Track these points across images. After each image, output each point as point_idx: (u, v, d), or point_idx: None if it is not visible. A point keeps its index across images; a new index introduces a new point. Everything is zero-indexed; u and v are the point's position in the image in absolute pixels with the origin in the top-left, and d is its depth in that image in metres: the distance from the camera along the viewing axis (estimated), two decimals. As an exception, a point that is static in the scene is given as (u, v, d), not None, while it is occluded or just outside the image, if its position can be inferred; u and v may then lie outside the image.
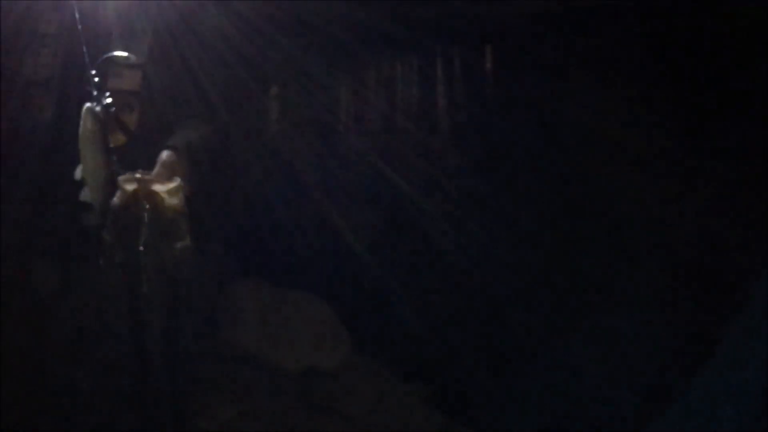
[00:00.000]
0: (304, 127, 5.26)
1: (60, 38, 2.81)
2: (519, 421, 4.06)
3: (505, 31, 5.24)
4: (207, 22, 3.07)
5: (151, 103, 2.76)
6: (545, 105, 5.13)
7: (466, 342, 4.53)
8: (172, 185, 2.51)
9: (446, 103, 5.80)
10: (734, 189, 4.48)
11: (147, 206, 2.49)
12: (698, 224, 4.49)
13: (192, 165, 2.68)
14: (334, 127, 5.58)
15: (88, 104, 2.51)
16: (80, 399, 2.99)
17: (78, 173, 2.54)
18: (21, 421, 2.81)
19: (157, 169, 2.58)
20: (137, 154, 2.67)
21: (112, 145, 2.55)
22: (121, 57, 2.71)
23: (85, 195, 2.55)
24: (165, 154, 2.62)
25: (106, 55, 2.69)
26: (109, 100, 2.62)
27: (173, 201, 2.51)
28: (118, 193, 2.51)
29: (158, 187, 2.49)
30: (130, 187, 2.48)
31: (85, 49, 2.58)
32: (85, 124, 2.48)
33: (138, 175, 2.52)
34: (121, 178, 2.51)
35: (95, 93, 2.57)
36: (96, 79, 2.60)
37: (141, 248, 2.49)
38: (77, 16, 2.58)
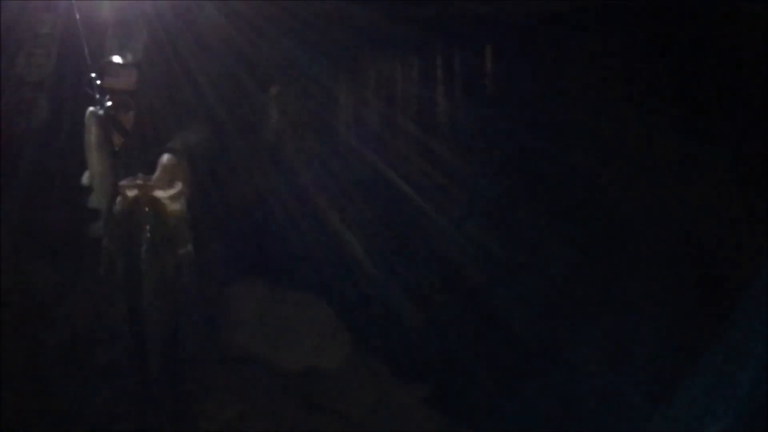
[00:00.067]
0: (303, 128, 5.25)
1: (54, 38, 2.78)
2: (519, 421, 4.04)
3: (506, 30, 5.23)
4: (205, 21, 3.05)
5: (148, 103, 2.73)
6: (547, 104, 5.11)
7: (466, 342, 4.52)
8: (173, 191, 2.49)
9: (447, 103, 5.79)
10: (733, 187, 4.46)
11: (149, 213, 2.47)
12: (698, 222, 4.48)
13: (192, 167, 2.66)
14: (334, 127, 5.57)
15: (91, 108, 2.49)
16: (79, 401, 2.98)
17: (85, 179, 2.53)
18: (20, 422, 2.80)
19: (158, 173, 2.55)
20: (135, 156, 2.65)
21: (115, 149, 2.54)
22: (116, 56, 2.69)
23: (93, 201, 2.53)
24: (165, 158, 2.59)
25: (104, 57, 2.67)
26: (110, 103, 2.61)
27: (175, 207, 2.50)
28: (119, 199, 2.49)
29: (160, 193, 2.47)
30: (131, 193, 2.46)
31: (86, 51, 2.56)
32: (90, 129, 2.47)
33: (139, 181, 2.49)
34: (122, 183, 2.49)
35: (97, 96, 2.55)
36: (97, 82, 2.58)
37: (143, 256, 2.47)
38: (77, 16, 2.56)
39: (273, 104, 5.31)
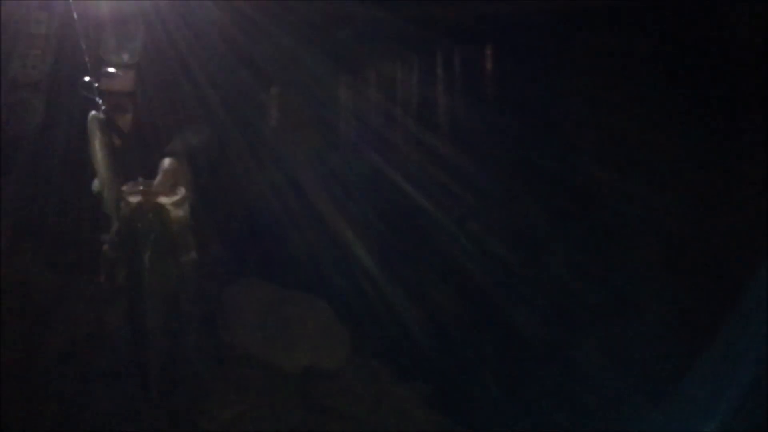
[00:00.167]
0: (304, 128, 5.25)
1: (50, 38, 2.75)
2: (519, 421, 4.04)
3: (510, 29, 5.23)
4: (204, 20, 3.03)
5: (147, 104, 2.71)
6: (552, 104, 5.11)
7: (467, 342, 4.52)
8: (177, 197, 2.44)
9: (450, 103, 5.79)
10: (733, 186, 4.46)
11: (152, 220, 2.43)
12: (697, 221, 4.47)
13: (193, 170, 2.63)
14: (335, 127, 5.57)
15: (93, 113, 2.46)
16: (79, 403, 2.98)
17: (96, 186, 2.52)
18: (20, 425, 2.81)
19: (159, 177, 2.50)
20: (134, 159, 2.62)
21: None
22: (113, 60, 2.66)
23: (107, 207, 2.52)
24: (167, 162, 2.55)
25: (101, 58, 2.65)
26: (103, 108, 2.57)
27: (179, 213, 2.46)
28: (122, 205, 2.45)
29: (163, 199, 2.43)
30: (134, 199, 2.41)
31: (84, 52, 2.54)
32: (95, 135, 2.44)
33: (141, 187, 2.43)
34: (124, 189, 2.44)
35: (98, 100, 2.52)
36: (96, 85, 2.56)
37: (145, 264, 2.44)
38: (74, 16, 2.54)
39: (274, 104, 5.31)
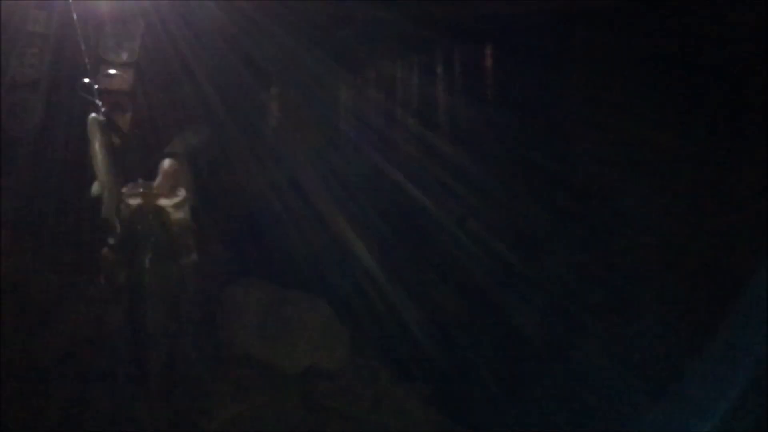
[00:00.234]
0: (305, 127, 5.24)
1: (48, 37, 2.73)
2: (519, 420, 4.04)
3: (507, 30, 5.22)
4: (203, 19, 3.02)
5: (146, 104, 2.69)
6: (554, 104, 5.10)
7: (466, 342, 4.52)
8: (177, 199, 2.44)
9: (451, 103, 5.79)
10: (733, 186, 4.46)
11: (152, 222, 2.41)
12: (697, 220, 4.47)
13: (193, 170, 2.61)
14: (336, 126, 5.56)
15: (92, 115, 2.44)
16: (79, 403, 2.98)
17: (95, 189, 2.49)
18: (20, 424, 2.81)
19: (159, 179, 2.51)
20: (133, 159, 2.61)
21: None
22: (111, 59, 2.65)
23: (106, 212, 2.50)
24: (167, 163, 2.55)
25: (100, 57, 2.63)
26: (103, 108, 2.56)
27: (179, 215, 2.46)
28: (122, 207, 2.46)
29: (164, 202, 2.43)
30: (134, 201, 2.41)
31: (83, 51, 2.52)
32: (94, 138, 2.43)
33: (141, 189, 2.43)
34: (124, 191, 2.45)
35: (95, 100, 2.51)
36: (96, 86, 2.54)
37: (146, 267, 2.42)
38: (74, 15, 2.52)
39: (274, 104, 5.30)
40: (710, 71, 4.57)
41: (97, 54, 2.65)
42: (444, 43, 5.48)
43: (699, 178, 4.53)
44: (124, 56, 2.64)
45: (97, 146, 2.40)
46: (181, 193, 2.38)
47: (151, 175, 2.53)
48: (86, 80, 2.49)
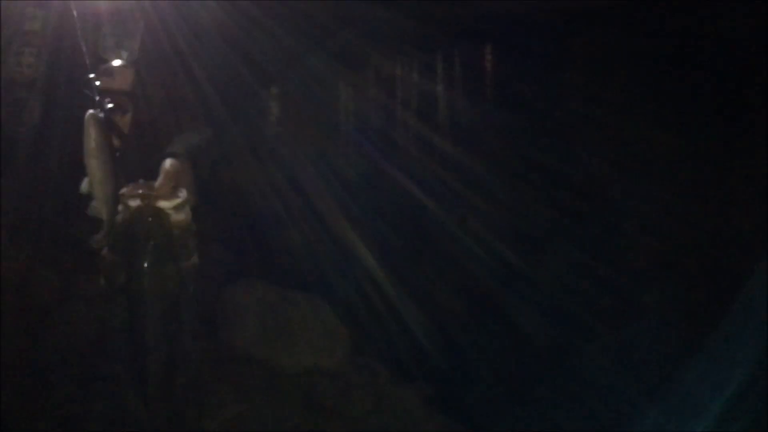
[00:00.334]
0: (304, 127, 5.24)
1: (45, 36, 2.69)
2: (519, 421, 4.04)
3: (508, 29, 5.22)
4: (204, 17, 2.99)
5: (146, 104, 2.66)
6: (556, 104, 5.10)
7: (466, 342, 4.52)
8: (178, 200, 2.38)
9: (450, 102, 5.78)
10: (733, 184, 4.46)
11: (152, 224, 2.35)
12: (698, 220, 4.47)
13: (194, 171, 2.56)
14: (336, 126, 5.56)
15: (91, 111, 2.40)
16: (79, 405, 2.97)
17: (84, 186, 2.43)
18: (19, 425, 2.79)
19: (160, 180, 2.42)
20: (133, 160, 2.58)
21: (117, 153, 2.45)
22: (112, 56, 2.61)
23: (93, 209, 2.43)
24: (168, 163, 2.46)
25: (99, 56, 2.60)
26: (110, 105, 2.53)
27: (180, 216, 2.39)
28: (121, 209, 2.39)
29: (164, 204, 2.36)
30: (134, 203, 2.35)
31: (84, 49, 2.50)
32: (90, 134, 2.34)
33: (141, 191, 2.36)
34: (124, 192, 2.38)
35: (97, 98, 2.47)
36: (97, 83, 2.51)
37: (145, 269, 2.38)
38: (74, 12, 2.50)
39: (274, 104, 5.29)
40: (711, 71, 4.58)
41: (97, 53, 2.61)
42: (445, 42, 5.48)
43: (700, 177, 4.54)
44: (124, 56, 2.59)
45: (92, 143, 2.35)
46: (183, 194, 2.33)
47: (151, 175, 2.48)
48: (91, 77, 2.45)
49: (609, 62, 4.97)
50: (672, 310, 4.27)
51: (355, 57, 5.28)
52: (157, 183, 2.40)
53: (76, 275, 2.84)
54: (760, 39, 4.37)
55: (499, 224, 4.82)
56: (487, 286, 4.64)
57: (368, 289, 4.44)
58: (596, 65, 5.04)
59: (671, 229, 4.49)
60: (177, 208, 2.37)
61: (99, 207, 2.42)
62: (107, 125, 2.43)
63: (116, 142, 2.51)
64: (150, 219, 2.35)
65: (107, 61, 2.59)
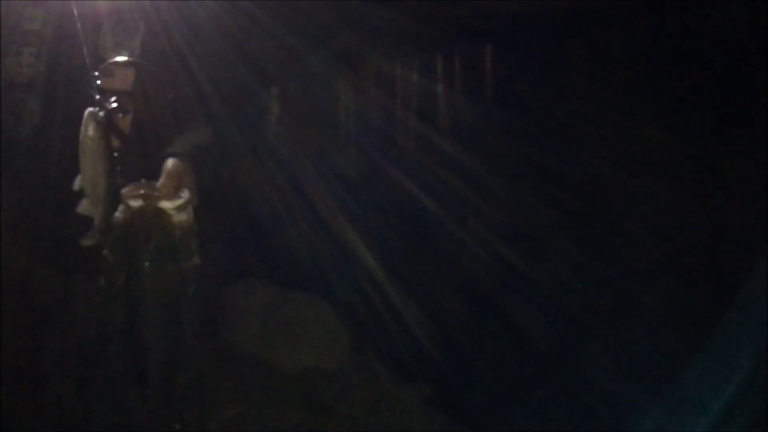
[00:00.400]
0: (305, 127, 5.25)
1: (44, 36, 2.67)
2: (520, 421, 4.04)
3: (510, 28, 5.22)
4: (205, 19, 2.98)
5: (147, 104, 2.65)
6: (552, 103, 5.10)
7: (467, 342, 4.52)
8: (180, 201, 2.34)
9: (451, 102, 5.78)
10: (733, 184, 4.46)
11: (154, 225, 2.33)
12: (698, 220, 4.48)
13: (196, 171, 2.54)
14: (337, 126, 5.56)
15: (90, 109, 2.38)
16: (80, 406, 2.96)
17: (77, 183, 2.39)
18: (19, 426, 2.78)
19: (162, 179, 2.39)
20: (134, 161, 2.57)
21: (115, 154, 2.43)
22: (113, 55, 2.59)
23: (83, 207, 2.40)
24: (170, 163, 2.43)
25: (99, 56, 2.58)
26: (114, 105, 2.52)
27: (182, 217, 2.35)
28: (122, 209, 2.36)
29: (166, 204, 2.33)
30: (135, 203, 2.32)
31: (84, 49, 2.49)
32: (87, 131, 2.31)
33: (142, 191, 2.33)
34: (125, 192, 2.35)
35: (97, 97, 2.44)
36: (98, 82, 2.50)
37: (146, 270, 2.36)
38: (74, 12, 2.48)
39: (275, 103, 5.28)
40: (712, 70, 4.58)
41: (97, 53, 2.59)
42: (445, 42, 5.48)
43: (700, 177, 4.54)
44: (125, 55, 2.57)
45: (88, 141, 2.33)
46: (185, 194, 2.31)
47: (151, 175, 2.46)
48: (94, 76, 2.43)
49: (609, 62, 4.96)
50: (672, 310, 4.27)
51: (355, 57, 5.28)
52: (159, 183, 2.37)
53: (77, 275, 2.82)
54: (761, 39, 4.37)
55: (499, 224, 4.82)
56: (487, 286, 4.64)
57: (368, 289, 4.44)
58: (596, 65, 5.03)
59: (671, 229, 4.49)
60: (179, 208, 2.34)
61: (90, 206, 2.40)
62: (107, 124, 2.41)
63: (116, 142, 2.49)
64: (151, 220, 2.32)
65: (108, 60, 2.58)
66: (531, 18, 5.07)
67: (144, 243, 2.32)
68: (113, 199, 2.39)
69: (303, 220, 4.61)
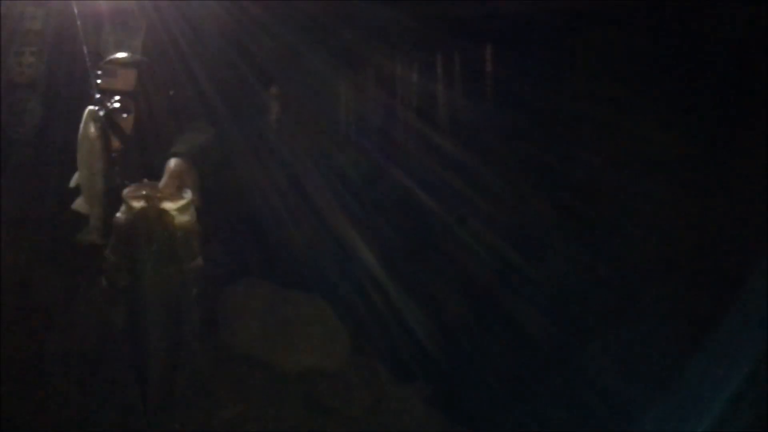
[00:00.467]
0: (306, 126, 5.24)
1: (45, 35, 2.66)
2: (520, 421, 4.04)
3: (510, 28, 5.22)
4: (206, 18, 2.97)
5: (148, 104, 2.64)
6: (553, 103, 5.10)
7: (468, 342, 4.51)
8: (182, 202, 2.32)
9: (453, 101, 5.79)
10: (734, 184, 4.47)
11: (155, 226, 2.30)
12: (699, 220, 4.48)
13: (198, 171, 2.54)
14: (338, 126, 5.57)
15: (90, 107, 2.36)
16: (80, 409, 2.95)
17: (73, 180, 2.40)
18: (19, 429, 2.78)
19: (165, 179, 2.39)
20: (135, 161, 2.56)
21: (114, 154, 2.42)
22: (115, 54, 2.58)
23: (79, 204, 2.41)
24: (173, 163, 2.43)
25: (100, 55, 2.58)
26: (117, 105, 2.52)
27: (184, 218, 2.33)
28: (124, 209, 2.34)
29: (169, 205, 2.31)
30: (137, 204, 2.30)
31: (86, 49, 2.48)
32: (86, 128, 2.32)
33: (144, 192, 2.31)
34: (127, 192, 2.33)
35: (98, 96, 2.43)
36: (98, 81, 2.49)
37: (147, 272, 2.35)
38: (75, 11, 2.48)
39: (276, 103, 5.27)
40: (712, 70, 4.59)
41: (98, 53, 2.59)
42: (445, 42, 5.48)
43: (700, 177, 4.54)
44: (127, 55, 2.57)
45: (87, 139, 2.32)
46: (187, 195, 2.30)
47: (153, 176, 2.46)
48: (97, 74, 2.43)
49: (609, 62, 4.97)
50: (672, 310, 4.27)
51: (355, 57, 5.27)
52: (162, 183, 2.37)
53: (78, 276, 2.81)
54: (761, 38, 4.37)
55: (499, 224, 4.82)
56: (487, 286, 4.64)
57: (369, 288, 4.44)
58: (596, 65, 5.04)
59: (671, 229, 4.49)
60: (181, 209, 2.33)
61: (86, 204, 2.40)
62: (107, 124, 2.41)
63: (117, 143, 2.49)
64: (153, 221, 2.31)
65: (109, 60, 2.57)
66: (531, 18, 5.07)
67: (146, 244, 2.31)
68: (111, 199, 2.38)
69: (303, 220, 4.61)
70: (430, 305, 4.58)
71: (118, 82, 2.56)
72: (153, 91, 2.64)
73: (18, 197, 2.70)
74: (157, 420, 2.76)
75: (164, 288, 2.37)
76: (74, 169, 2.43)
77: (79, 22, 2.49)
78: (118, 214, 2.34)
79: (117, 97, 2.52)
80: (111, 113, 2.46)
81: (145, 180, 2.37)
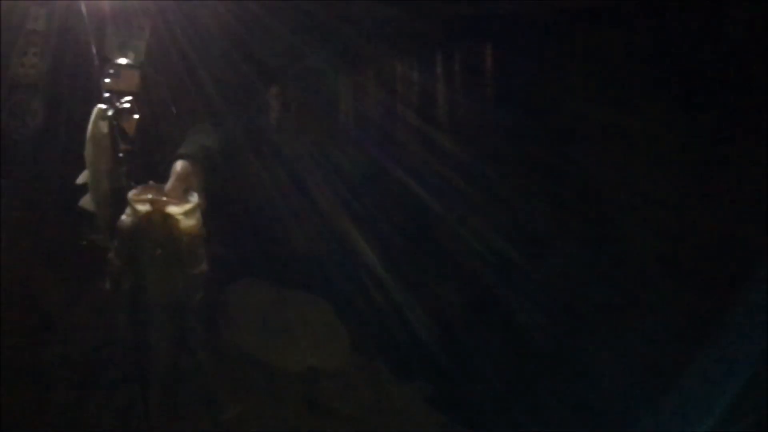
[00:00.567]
0: (309, 126, 5.23)
1: (48, 36, 2.64)
2: (520, 421, 4.04)
3: (510, 28, 5.21)
4: (209, 19, 2.96)
5: (152, 106, 2.63)
6: (553, 102, 5.10)
7: (468, 342, 4.51)
8: (188, 206, 2.30)
9: (453, 101, 5.79)
10: (734, 184, 4.48)
11: (160, 231, 2.26)
12: (698, 218, 4.49)
13: (205, 174, 2.52)
14: (339, 126, 5.55)
15: (100, 105, 2.36)
16: (81, 411, 2.94)
17: (81, 178, 2.40)
18: (19, 428, 2.77)
19: (171, 182, 2.36)
20: (139, 163, 2.55)
21: (120, 154, 2.42)
22: (119, 56, 2.57)
23: (86, 202, 2.41)
24: (179, 165, 2.40)
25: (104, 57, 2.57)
26: (126, 105, 2.51)
27: (190, 222, 2.30)
28: (129, 212, 2.32)
29: (174, 209, 2.27)
30: (142, 208, 2.27)
31: (93, 50, 2.48)
32: (95, 126, 2.32)
33: (150, 195, 2.28)
34: (132, 195, 2.31)
35: (107, 95, 2.44)
36: (107, 81, 2.48)
37: (151, 276, 2.34)
38: (82, 11, 2.47)
39: (279, 103, 5.26)
40: (712, 70, 4.59)
41: (102, 54, 2.58)
42: (445, 42, 5.47)
43: (700, 177, 4.55)
44: (130, 57, 2.56)
45: (95, 138, 2.32)
46: (194, 198, 2.28)
47: (157, 178, 2.44)
48: (106, 76, 2.42)
49: (609, 62, 4.97)
50: (672, 310, 4.28)
51: (356, 56, 5.26)
52: (168, 185, 2.35)
53: (80, 279, 2.80)
54: (761, 38, 4.38)
55: (500, 223, 4.82)
56: (488, 286, 4.64)
57: (369, 288, 4.43)
58: (596, 65, 5.04)
59: (671, 228, 4.50)
60: (187, 213, 2.30)
61: (93, 201, 2.41)
62: (114, 124, 2.41)
63: (122, 145, 2.48)
64: (158, 225, 2.29)
65: (113, 62, 2.56)
66: (531, 18, 5.07)
67: (150, 248, 2.28)
68: (117, 200, 2.37)
69: (303, 220, 4.60)
70: (431, 305, 4.58)
71: (122, 83, 2.56)
72: (156, 92, 2.63)
73: (19, 198, 2.69)
74: (158, 422, 2.75)
75: (168, 292, 2.35)
76: (76, 170, 2.43)
77: (82, 23, 2.49)
78: (123, 217, 2.32)
79: (127, 98, 2.51)
80: (119, 113, 2.45)
81: (151, 182, 2.35)
